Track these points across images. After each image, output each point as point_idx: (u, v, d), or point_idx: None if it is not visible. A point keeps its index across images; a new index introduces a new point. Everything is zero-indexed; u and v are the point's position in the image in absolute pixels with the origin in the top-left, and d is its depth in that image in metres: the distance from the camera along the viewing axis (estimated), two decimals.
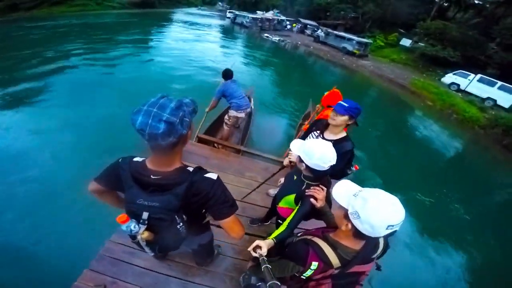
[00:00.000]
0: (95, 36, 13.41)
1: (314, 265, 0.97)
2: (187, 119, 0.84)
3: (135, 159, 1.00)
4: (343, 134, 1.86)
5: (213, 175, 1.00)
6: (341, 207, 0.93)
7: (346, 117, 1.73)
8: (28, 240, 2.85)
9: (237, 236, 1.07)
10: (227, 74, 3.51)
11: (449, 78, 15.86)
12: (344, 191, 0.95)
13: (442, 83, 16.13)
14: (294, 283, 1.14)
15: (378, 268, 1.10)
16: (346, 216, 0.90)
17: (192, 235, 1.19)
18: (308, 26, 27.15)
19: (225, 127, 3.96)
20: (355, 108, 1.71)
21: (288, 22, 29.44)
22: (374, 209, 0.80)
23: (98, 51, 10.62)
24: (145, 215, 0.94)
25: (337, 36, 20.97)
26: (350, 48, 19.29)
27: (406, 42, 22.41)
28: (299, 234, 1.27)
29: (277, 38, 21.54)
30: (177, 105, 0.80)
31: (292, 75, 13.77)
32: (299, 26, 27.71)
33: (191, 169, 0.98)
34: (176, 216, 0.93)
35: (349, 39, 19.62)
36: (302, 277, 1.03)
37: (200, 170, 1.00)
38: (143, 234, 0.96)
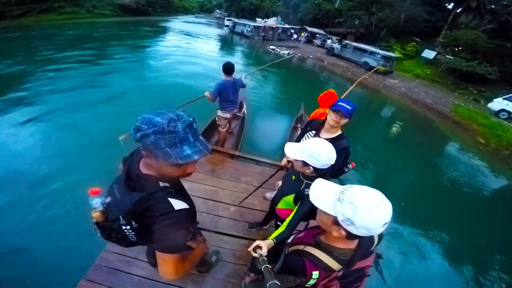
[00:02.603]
0: (84, 48, 11.41)
1: (315, 274, 0.89)
2: (161, 143, 0.72)
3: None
4: (339, 132, 1.79)
5: (178, 204, 0.85)
6: (325, 213, 0.82)
7: (348, 119, 1.68)
8: (22, 251, 2.60)
9: (162, 276, 0.90)
10: (227, 69, 3.06)
11: (498, 104, 12.17)
12: (325, 197, 0.83)
13: (488, 109, 12.39)
14: None
15: (379, 257, 1.06)
16: (335, 222, 0.81)
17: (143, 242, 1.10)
18: (317, 35, 22.90)
19: (220, 129, 3.68)
20: (353, 110, 1.66)
21: (293, 31, 25.22)
22: (367, 213, 0.73)
23: (86, 64, 9.19)
24: (108, 199, 0.92)
25: (356, 48, 16.92)
26: (373, 63, 15.31)
27: (429, 53, 18.64)
28: (288, 241, 1.20)
29: (286, 52, 17.45)
30: (165, 121, 0.71)
31: (300, 94, 10.26)
32: (306, 36, 23.46)
33: (162, 184, 0.86)
34: (121, 217, 0.83)
35: (372, 53, 15.65)
36: (306, 285, 0.96)
37: (170, 191, 0.86)
38: (95, 214, 0.92)
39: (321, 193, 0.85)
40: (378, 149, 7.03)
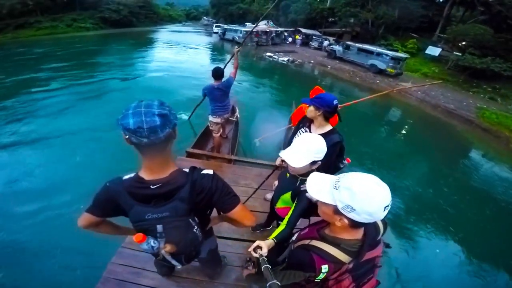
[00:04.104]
0: (42, 69, 9.49)
1: (325, 268, 0.83)
2: (174, 112, 0.77)
3: (125, 177, 0.86)
4: (329, 127, 1.68)
5: (209, 171, 0.90)
6: (325, 204, 0.79)
7: (312, 107, 1.62)
8: (30, 267, 2.53)
9: (251, 223, 0.95)
10: (215, 74, 3.05)
11: None
12: (322, 187, 0.80)
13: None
14: (311, 286, 0.97)
15: (387, 246, 1.01)
16: (336, 212, 0.77)
17: (203, 240, 1.12)
18: (313, 37, 20.93)
19: (213, 134, 3.58)
20: (318, 99, 1.60)
21: (286, 34, 23.23)
22: (365, 197, 0.69)
23: (64, 89, 7.58)
24: (159, 228, 0.85)
25: (360, 50, 14.98)
26: (382, 66, 13.48)
27: (433, 50, 17.03)
28: (294, 238, 1.11)
29: (285, 58, 15.39)
30: (160, 102, 0.75)
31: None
32: (301, 38, 21.49)
33: (187, 170, 0.88)
34: (190, 220, 0.87)
35: (379, 54, 13.77)
36: (316, 280, 0.89)
37: (195, 169, 0.89)
38: (166, 248, 0.88)
39: (318, 185, 0.82)
40: (400, 164, 6.04)
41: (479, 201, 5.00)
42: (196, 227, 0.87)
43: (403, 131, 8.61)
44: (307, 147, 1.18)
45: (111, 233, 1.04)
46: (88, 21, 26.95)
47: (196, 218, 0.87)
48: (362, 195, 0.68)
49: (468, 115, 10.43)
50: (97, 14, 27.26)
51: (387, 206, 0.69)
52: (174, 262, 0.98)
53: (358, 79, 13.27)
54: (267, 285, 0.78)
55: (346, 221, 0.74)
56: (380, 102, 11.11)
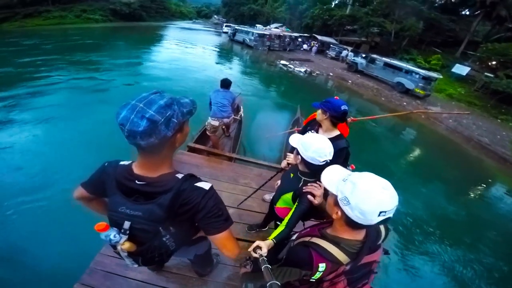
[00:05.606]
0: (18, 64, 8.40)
1: (322, 266, 0.80)
2: (174, 120, 0.67)
3: (122, 163, 0.80)
4: (336, 132, 1.67)
5: (205, 185, 0.79)
6: (330, 193, 0.80)
7: (319, 111, 1.62)
8: (14, 255, 2.40)
9: (231, 254, 0.84)
10: (222, 84, 3.22)
11: None
12: (334, 177, 0.80)
13: None
14: (306, 287, 0.92)
15: (386, 252, 0.95)
16: (336, 202, 0.77)
17: (187, 246, 1.08)
18: (330, 46, 19.17)
19: (207, 133, 3.51)
20: (326, 102, 1.58)
21: (300, 40, 21.48)
22: (364, 194, 0.67)
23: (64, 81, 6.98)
24: (126, 224, 0.77)
25: (387, 65, 13.22)
26: (410, 85, 11.84)
27: (460, 69, 15.30)
28: (294, 237, 1.07)
29: (302, 69, 13.77)
30: (167, 103, 0.65)
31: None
32: (317, 45, 19.76)
33: (180, 176, 0.77)
34: (160, 228, 0.77)
35: (408, 72, 12.07)
36: (311, 280, 0.86)
37: (190, 178, 0.79)
38: (124, 245, 0.79)
39: (331, 175, 0.82)
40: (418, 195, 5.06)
41: (497, 245, 4.22)
42: (167, 236, 0.78)
43: (428, 165, 7.06)
44: (304, 136, 1.26)
45: (103, 213, 0.94)
46: (98, 13, 25.67)
47: (171, 228, 0.78)
48: (362, 191, 0.66)
49: (503, 153, 8.83)
50: (108, 6, 25.96)
51: (384, 212, 0.65)
52: (127, 260, 0.86)
53: (383, 98, 11.68)
54: (267, 285, 0.75)
55: (339, 214, 0.74)
56: (404, 128, 9.57)
